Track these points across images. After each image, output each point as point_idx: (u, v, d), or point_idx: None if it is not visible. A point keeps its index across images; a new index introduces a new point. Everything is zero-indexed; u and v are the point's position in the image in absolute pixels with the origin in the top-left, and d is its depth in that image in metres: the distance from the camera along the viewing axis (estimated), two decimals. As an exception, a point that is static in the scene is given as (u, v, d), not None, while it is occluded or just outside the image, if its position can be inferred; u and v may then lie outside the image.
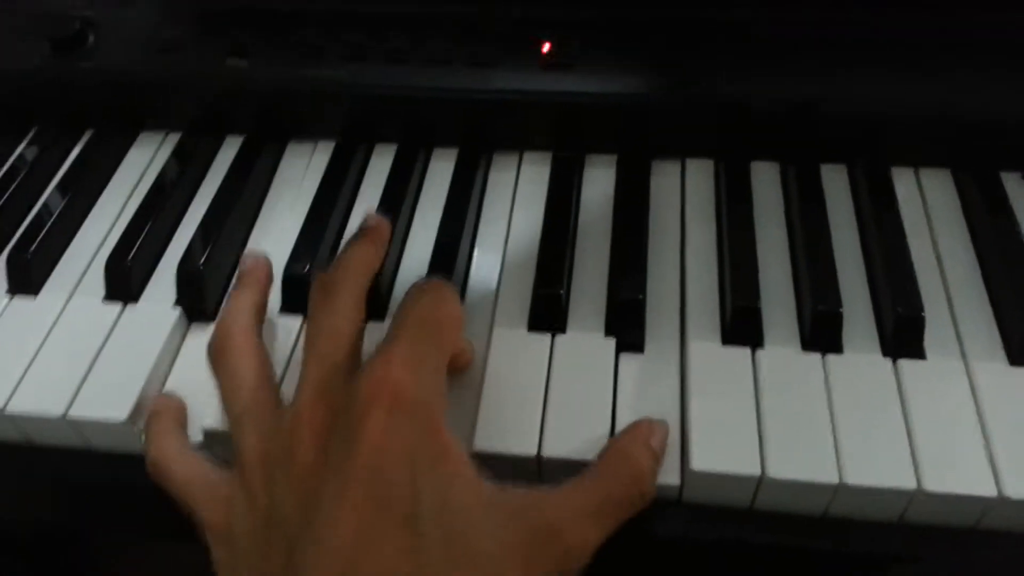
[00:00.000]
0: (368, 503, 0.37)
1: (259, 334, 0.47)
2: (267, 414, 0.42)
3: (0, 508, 0.55)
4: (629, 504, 0.41)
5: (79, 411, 0.47)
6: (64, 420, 0.47)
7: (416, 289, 0.43)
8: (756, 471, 0.42)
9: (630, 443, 0.43)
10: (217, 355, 0.45)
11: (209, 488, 0.43)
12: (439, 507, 0.38)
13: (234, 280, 0.50)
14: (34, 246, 0.54)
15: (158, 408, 0.47)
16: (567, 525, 0.39)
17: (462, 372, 0.47)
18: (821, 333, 0.48)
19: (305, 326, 0.44)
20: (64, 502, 0.54)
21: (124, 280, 0.53)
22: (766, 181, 0.57)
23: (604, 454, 0.43)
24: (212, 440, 0.47)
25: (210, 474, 0.43)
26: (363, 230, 0.49)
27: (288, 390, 0.45)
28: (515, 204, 0.57)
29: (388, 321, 0.50)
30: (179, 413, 0.47)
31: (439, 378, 0.41)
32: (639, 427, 0.44)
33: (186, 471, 0.44)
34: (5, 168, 0.62)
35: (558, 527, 0.39)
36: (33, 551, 0.65)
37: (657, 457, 0.43)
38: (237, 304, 0.47)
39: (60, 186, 0.60)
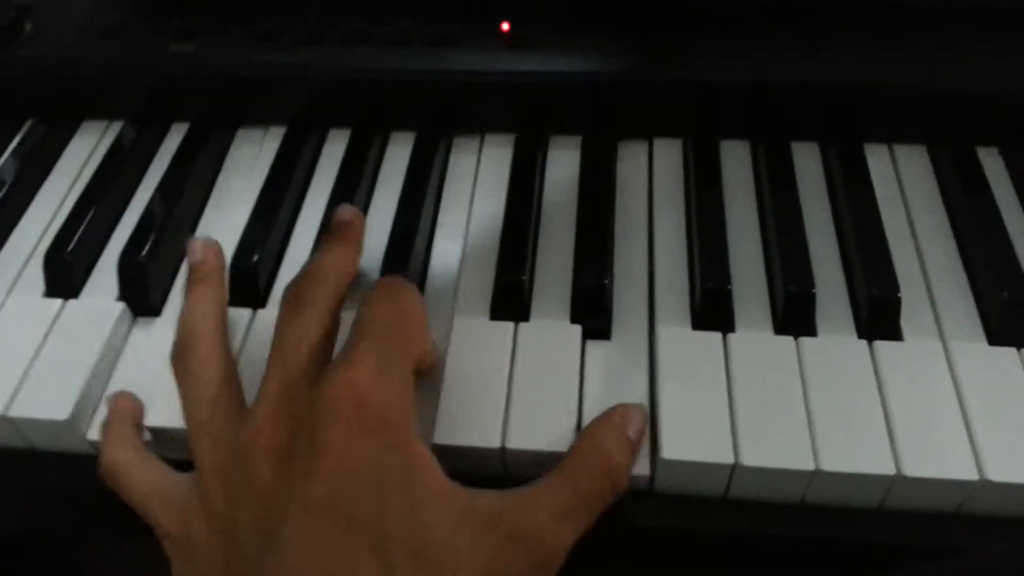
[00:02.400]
0: (333, 528, 0.35)
1: (223, 334, 0.45)
2: (228, 425, 0.40)
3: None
4: (601, 499, 0.39)
5: (19, 410, 0.45)
6: (4, 420, 0.45)
7: (376, 293, 0.41)
8: (729, 459, 0.41)
9: (603, 434, 0.41)
10: (179, 359, 0.43)
11: (167, 497, 0.41)
12: (409, 526, 0.36)
13: (185, 270, 0.47)
14: (-31, 241, 0.52)
15: (115, 411, 0.45)
16: (543, 528, 0.38)
17: (426, 372, 0.45)
18: (794, 315, 0.46)
19: (273, 335, 0.41)
20: (11, 506, 0.52)
21: (64, 274, 0.50)
22: (736, 160, 0.55)
23: (576, 446, 0.41)
24: (157, 437, 0.45)
25: (168, 482, 0.42)
26: (336, 228, 0.47)
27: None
28: (476, 189, 0.55)
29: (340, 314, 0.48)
30: (136, 416, 0.45)
31: (406, 383, 0.39)
32: (613, 416, 0.42)
33: (142, 480, 0.42)
34: (-60, 162, 0.59)
35: (534, 531, 0.37)
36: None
37: (633, 447, 0.41)
38: (196, 302, 0.45)
39: (-2, 178, 0.57)
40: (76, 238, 0.51)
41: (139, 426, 0.45)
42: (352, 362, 0.37)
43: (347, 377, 0.37)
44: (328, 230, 0.48)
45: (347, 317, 0.42)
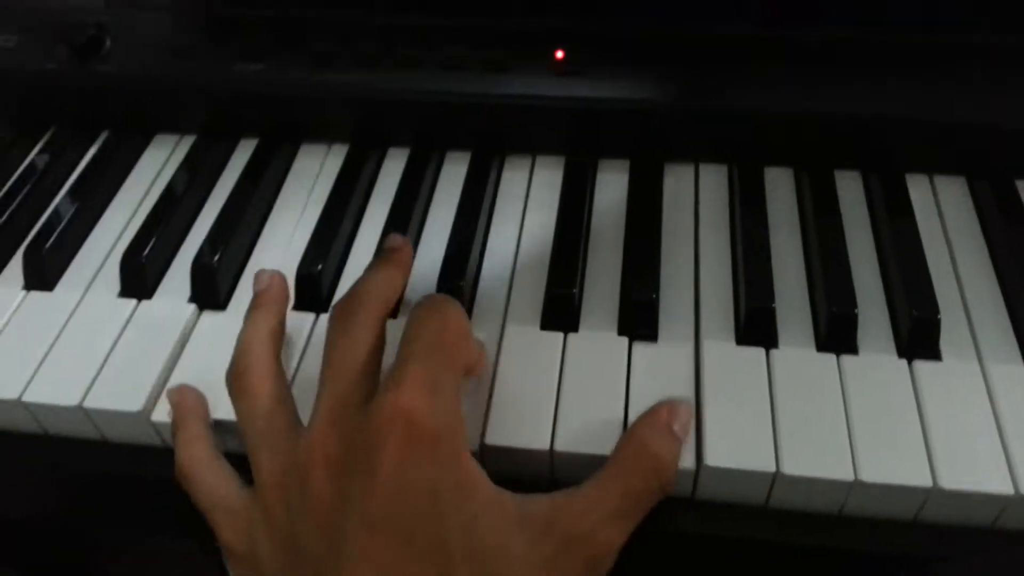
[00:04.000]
0: (392, 540, 0.37)
1: (277, 357, 0.46)
2: (284, 441, 0.41)
3: (10, 502, 0.55)
4: (650, 497, 0.41)
5: (94, 402, 0.47)
6: (79, 410, 0.47)
7: (420, 310, 0.42)
8: (771, 467, 0.42)
9: (649, 432, 0.42)
10: (235, 380, 0.44)
11: (231, 510, 0.42)
12: (467, 537, 0.37)
13: (251, 300, 0.49)
14: (50, 243, 0.55)
15: (185, 408, 0.46)
16: (594, 530, 0.39)
17: (477, 380, 0.46)
18: (836, 334, 0.48)
19: (323, 353, 0.43)
20: (75, 495, 0.54)
21: (139, 276, 0.53)
22: (780, 186, 0.57)
23: (623, 444, 0.42)
24: (222, 430, 0.47)
25: (234, 494, 0.43)
26: (384, 252, 0.49)
27: (300, 389, 0.46)
28: (528, 207, 0.57)
29: (399, 321, 0.50)
30: (204, 411, 0.47)
31: (454, 400, 0.40)
32: (659, 413, 0.43)
33: (211, 487, 0.43)
34: (23, 167, 0.62)
35: (586, 534, 0.39)
36: (37, 547, 0.65)
37: (679, 442, 0.42)
38: (254, 327, 0.46)
39: (76, 185, 0.60)
40: (151, 243, 0.54)
41: (208, 423, 0.46)
42: (401, 383, 0.38)
43: (397, 400, 0.38)
44: (377, 254, 0.49)
45: (397, 334, 0.43)
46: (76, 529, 0.65)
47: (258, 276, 0.50)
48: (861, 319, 0.48)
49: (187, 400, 0.47)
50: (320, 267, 0.52)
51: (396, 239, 0.51)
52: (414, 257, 0.54)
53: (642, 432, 0.42)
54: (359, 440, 0.38)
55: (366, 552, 0.37)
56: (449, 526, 0.37)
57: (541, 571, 0.38)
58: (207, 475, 0.44)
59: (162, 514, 0.54)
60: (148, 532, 0.63)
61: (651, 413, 0.43)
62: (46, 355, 0.50)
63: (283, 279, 0.50)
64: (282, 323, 0.48)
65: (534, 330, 0.49)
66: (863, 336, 0.48)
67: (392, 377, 0.39)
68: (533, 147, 0.61)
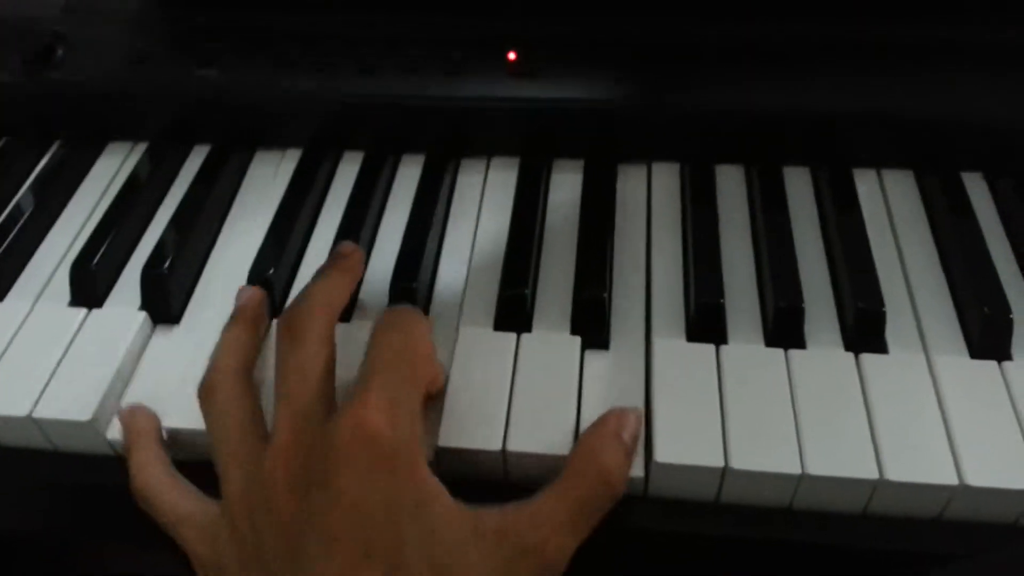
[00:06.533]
0: (351, 552, 0.37)
1: (248, 373, 0.46)
2: (252, 457, 0.42)
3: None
4: (600, 506, 0.41)
5: (44, 412, 0.47)
6: (29, 420, 0.47)
7: (384, 325, 0.43)
8: (719, 463, 0.43)
9: (598, 441, 0.43)
10: (206, 395, 0.44)
11: (198, 524, 0.42)
12: (425, 548, 0.38)
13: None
14: (-1, 252, 0.54)
15: (137, 430, 0.46)
16: (545, 540, 0.39)
17: (435, 399, 0.46)
18: (783, 328, 0.48)
19: (275, 366, 0.44)
20: (33, 506, 0.54)
21: (89, 284, 0.53)
22: (730, 183, 0.58)
23: (573, 455, 0.43)
24: (175, 439, 0.47)
25: (198, 509, 0.43)
26: (334, 258, 0.49)
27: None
28: (482, 208, 0.57)
29: (353, 323, 0.50)
30: (157, 432, 0.46)
31: (415, 414, 0.41)
32: (607, 421, 0.43)
33: (175, 505, 0.43)
34: (-26, 178, 0.61)
35: (539, 543, 0.39)
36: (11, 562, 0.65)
37: (628, 450, 0.43)
38: (226, 343, 0.47)
39: (28, 194, 0.60)
40: (101, 251, 0.54)
41: (161, 442, 0.46)
42: (363, 402, 0.39)
43: (358, 417, 0.39)
44: (328, 259, 0.50)
45: (359, 336, 0.44)
46: (46, 542, 0.65)
47: (239, 293, 0.51)
48: (809, 313, 0.48)
49: (139, 422, 0.47)
50: (272, 270, 0.52)
51: (346, 246, 0.50)
52: (368, 260, 0.54)
53: (590, 442, 0.43)
54: (320, 455, 0.39)
55: (326, 563, 0.37)
56: (406, 537, 0.38)
57: None
58: (165, 495, 0.44)
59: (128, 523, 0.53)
60: (117, 541, 0.62)
61: (600, 422, 0.44)
62: (-5, 366, 0.49)
63: (262, 296, 0.50)
64: (257, 339, 0.48)
65: (488, 331, 0.50)
66: (811, 330, 0.48)
67: (355, 396, 0.40)
68: (488, 149, 0.61)
